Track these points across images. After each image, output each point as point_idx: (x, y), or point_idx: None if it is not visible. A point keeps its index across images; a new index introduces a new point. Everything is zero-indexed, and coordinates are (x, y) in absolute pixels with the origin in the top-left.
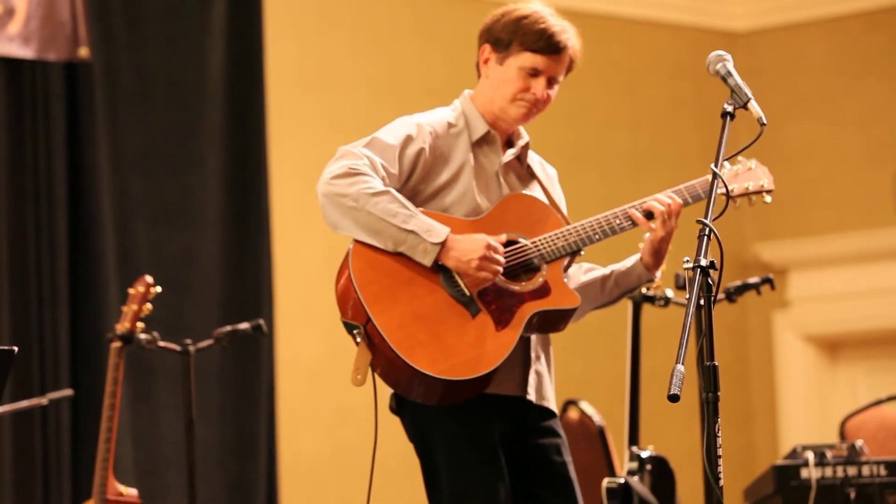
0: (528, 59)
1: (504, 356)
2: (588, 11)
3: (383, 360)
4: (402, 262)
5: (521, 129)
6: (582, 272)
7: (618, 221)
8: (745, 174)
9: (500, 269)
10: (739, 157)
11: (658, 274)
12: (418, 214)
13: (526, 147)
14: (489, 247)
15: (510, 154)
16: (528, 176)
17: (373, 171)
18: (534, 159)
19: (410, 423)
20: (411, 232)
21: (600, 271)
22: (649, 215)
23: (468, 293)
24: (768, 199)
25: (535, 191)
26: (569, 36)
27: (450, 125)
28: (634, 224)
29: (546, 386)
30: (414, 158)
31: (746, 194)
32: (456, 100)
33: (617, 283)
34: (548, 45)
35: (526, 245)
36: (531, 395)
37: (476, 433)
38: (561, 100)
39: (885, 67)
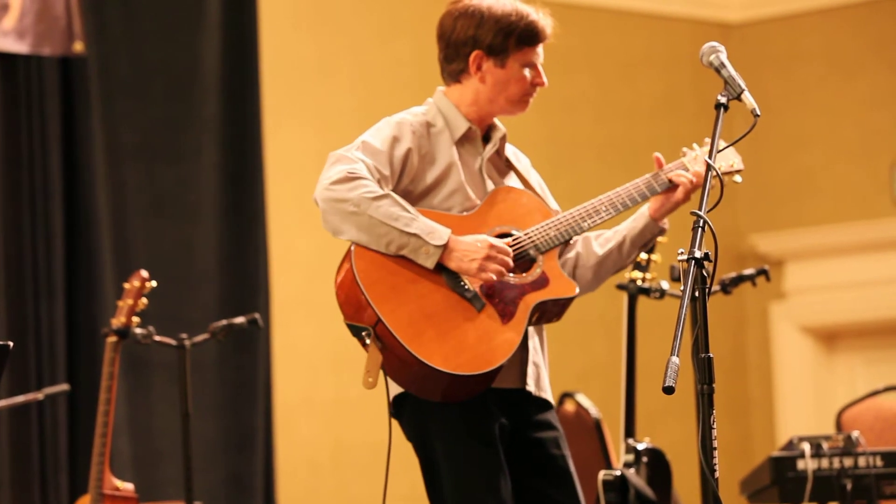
0: (529, 55)
1: (513, 348)
2: (584, 3)
3: (395, 361)
4: (403, 260)
5: (497, 121)
6: (594, 240)
7: (604, 208)
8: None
9: (504, 269)
10: (706, 139)
11: (666, 222)
12: (419, 217)
13: (503, 139)
14: (492, 247)
15: (490, 149)
16: (506, 167)
17: (369, 174)
18: (508, 149)
19: (409, 422)
20: (414, 235)
21: (613, 238)
22: (654, 190)
23: (471, 289)
24: (738, 178)
25: (512, 181)
26: (545, 15)
27: (429, 125)
28: (620, 210)
29: (543, 377)
30: (402, 160)
31: (717, 176)
32: (429, 98)
33: (633, 244)
34: (540, 34)
35: (520, 237)
36: (530, 387)
37: (476, 427)
38: (557, 90)
39: (881, 57)
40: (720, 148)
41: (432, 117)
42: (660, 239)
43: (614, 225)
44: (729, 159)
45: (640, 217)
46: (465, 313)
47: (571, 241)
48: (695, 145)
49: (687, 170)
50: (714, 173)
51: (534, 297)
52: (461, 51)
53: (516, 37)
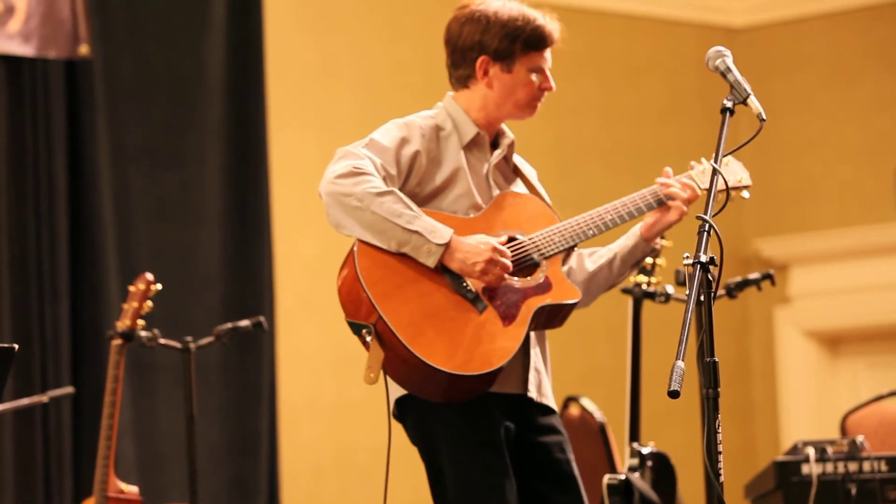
0: (537, 59)
1: (514, 351)
2: (590, 8)
3: (395, 359)
4: (406, 260)
5: (505, 128)
6: (587, 257)
7: (609, 217)
8: (722, 171)
9: (505, 273)
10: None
11: (659, 242)
12: (422, 215)
13: (511, 146)
14: (494, 250)
15: (497, 155)
16: (513, 174)
17: (375, 171)
18: (515, 158)
19: (413, 426)
20: (415, 232)
21: (605, 255)
22: (661, 202)
23: (473, 290)
24: (746, 194)
25: (519, 188)
26: (552, 20)
27: (438, 128)
28: (626, 220)
29: (545, 383)
30: (410, 160)
31: (724, 190)
32: (439, 103)
33: (623, 262)
34: (547, 39)
35: (524, 242)
36: (532, 393)
37: (480, 431)
38: (563, 95)
39: (885, 62)
40: (726, 153)
41: (441, 121)
42: (658, 260)
43: (621, 233)
44: (737, 174)
45: (631, 236)
46: (467, 314)
47: (576, 249)
48: (703, 159)
49: (688, 187)
50: (720, 181)
51: (536, 301)
52: (468, 56)
53: (522, 41)
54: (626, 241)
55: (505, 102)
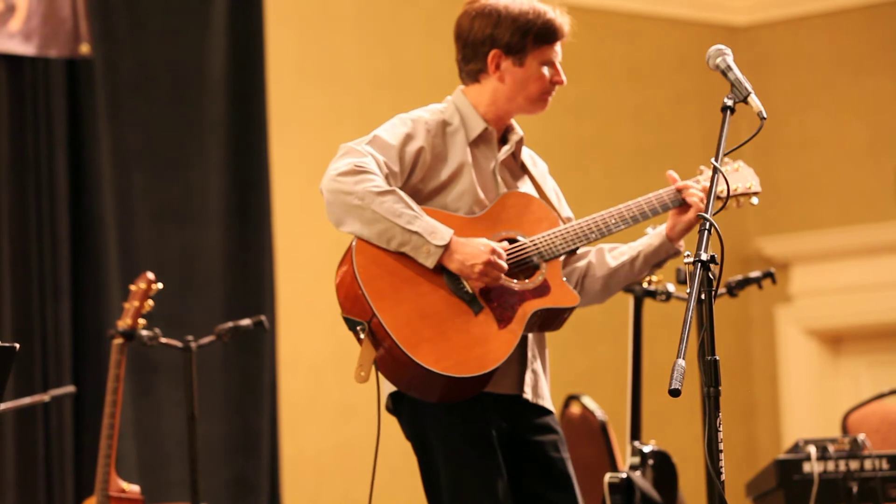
0: (548, 52)
1: (507, 353)
2: (591, 6)
3: (388, 357)
4: (404, 259)
5: (515, 124)
6: (608, 252)
7: (613, 221)
8: (732, 176)
9: (502, 274)
10: (726, 159)
11: (682, 245)
12: (423, 215)
13: (520, 142)
14: (493, 252)
15: (505, 151)
16: (521, 171)
17: (377, 169)
18: (525, 153)
19: (408, 422)
20: (415, 233)
21: (627, 253)
22: (666, 207)
23: (471, 291)
24: (755, 200)
25: (526, 186)
26: (562, 13)
27: (445, 123)
28: (629, 224)
29: (542, 385)
30: (414, 157)
31: (734, 196)
32: (448, 97)
33: (646, 261)
34: (558, 32)
35: (525, 243)
36: (527, 394)
37: (474, 430)
38: (564, 94)
39: (888, 60)
40: (727, 151)
41: (449, 116)
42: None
43: (621, 237)
44: (747, 181)
45: (656, 235)
46: (463, 315)
47: (580, 252)
48: (712, 160)
49: (701, 189)
50: (721, 183)
51: (533, 304)
52: (479, 50)
53: (534, 35)
54: (651, 240)
55: (516, 96)
